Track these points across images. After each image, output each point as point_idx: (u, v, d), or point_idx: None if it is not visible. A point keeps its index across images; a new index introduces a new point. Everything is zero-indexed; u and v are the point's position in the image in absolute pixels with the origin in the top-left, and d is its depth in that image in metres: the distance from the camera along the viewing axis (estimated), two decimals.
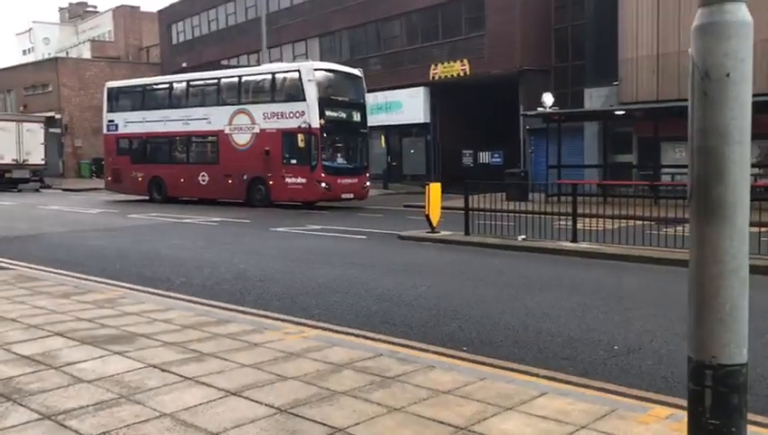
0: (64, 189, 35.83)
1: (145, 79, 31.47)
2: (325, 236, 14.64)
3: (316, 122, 21.16)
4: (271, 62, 29.98)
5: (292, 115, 21.70)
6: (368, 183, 23.55)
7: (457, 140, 30.92)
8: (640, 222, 13.00)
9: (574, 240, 12.40)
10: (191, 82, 26.09)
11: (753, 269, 2.56)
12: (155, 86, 27.76)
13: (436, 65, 31.12)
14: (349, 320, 6.90)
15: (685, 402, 3.46)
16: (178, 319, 6.47)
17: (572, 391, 4.57)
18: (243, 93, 23.86)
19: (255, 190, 22.96)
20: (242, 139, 23.23)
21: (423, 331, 6.53)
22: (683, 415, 3.72)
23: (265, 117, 22.45)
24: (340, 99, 22.55)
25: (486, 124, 30.51)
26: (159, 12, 52.99)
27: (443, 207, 14.58)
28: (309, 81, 21.37)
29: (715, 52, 2.43)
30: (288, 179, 21.98)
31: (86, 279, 9.05)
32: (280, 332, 6.05)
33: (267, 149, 22.29)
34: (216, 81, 25.23)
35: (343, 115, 22.47)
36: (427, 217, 14.27)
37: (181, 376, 4.70)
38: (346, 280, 9.25)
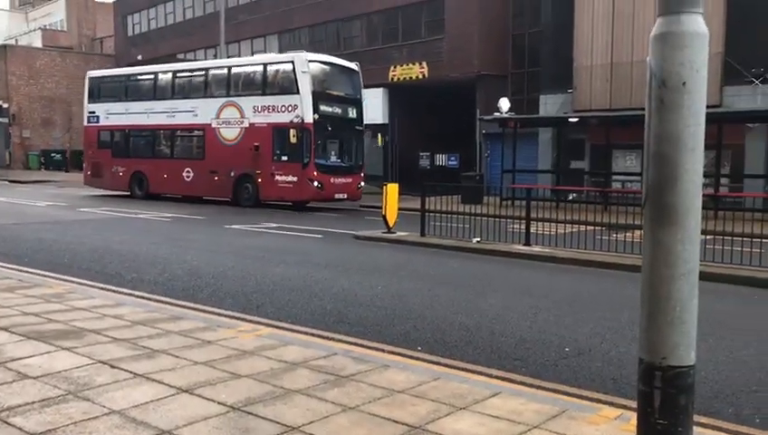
0: (11, 181, 34.75)
1: (129, 68, 30.31)
2: (280, 235, 14.53)
3: (309, 117, 20.00)
4: (229, 57, 29.48)
5: (284, 109, 20.48)
6: (362, 183, 22.40)
7: (415, 142, 31.06)
8: (591, 227, 13.27)
9: (527, 243, 12.58)
10: (177, 73, 24.61)
11: (700, 275, 2.64)
12: (139, 76, 26.20)
13: (395, 67, 31.21)
14: (304, 319, 6.86)
15: (633, 403, 3.55)
16: (129, 315, 6.34)
17: (525, 392, 4.63)
18: (232, 85, 22.52)
19: (243, 188, 21.70)
20: (230, 133, 21.97)
21: (378, 330, 6.54)
22: (631, 416, 3.82)
23: (255, 110, 21.26)
24: (335, 93, 21.39)
25: (444, 127, 30.70)
26: (115, 2, 51.85)
27: (399, 208, 14.63)
28: (303, 72, 20.14)
29: (671, 60, 2.49)
30: (278, 177, 20.76)
31: (33, 273, 8.79)
32: (234, 329, 5.98)
33: (257, 144, 21.03)
34: (203, 71, 23.94)
35: (338, 111, 21.32)
36: (384, 217, 14.30)
37: (132, 373, 4.60)
38: (301, 279, 9.19)
